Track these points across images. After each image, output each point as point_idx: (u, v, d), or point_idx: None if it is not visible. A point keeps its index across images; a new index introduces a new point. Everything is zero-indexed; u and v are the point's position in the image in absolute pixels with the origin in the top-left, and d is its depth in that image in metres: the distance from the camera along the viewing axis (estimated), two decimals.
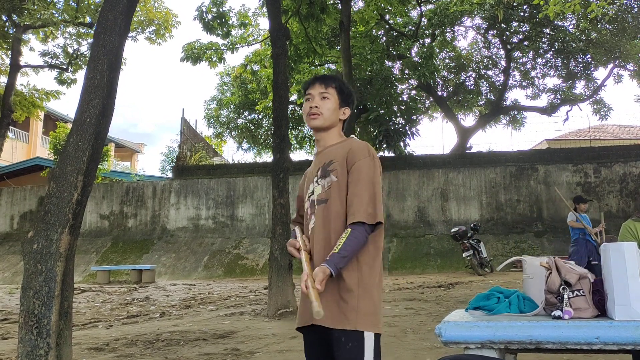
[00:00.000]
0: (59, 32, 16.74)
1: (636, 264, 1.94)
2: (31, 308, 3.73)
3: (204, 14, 11.25)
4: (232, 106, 22.15)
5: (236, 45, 14.31)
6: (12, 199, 19.10)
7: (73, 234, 3.91)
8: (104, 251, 17.38)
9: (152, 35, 17.01)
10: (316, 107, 2.31)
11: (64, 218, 3.84)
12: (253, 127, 22.58)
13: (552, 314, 2.03)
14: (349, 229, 2.07)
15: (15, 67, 15.61)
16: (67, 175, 3.88)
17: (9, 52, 15.89)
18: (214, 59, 13.74)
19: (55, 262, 3.79)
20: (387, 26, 19.12)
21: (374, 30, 18.41)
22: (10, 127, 25.65)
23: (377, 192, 2.18)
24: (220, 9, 11.40)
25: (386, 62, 18.67)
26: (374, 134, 17.52)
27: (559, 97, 20.34)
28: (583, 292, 2.06)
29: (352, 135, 2.42)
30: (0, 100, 15.49)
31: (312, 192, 2.29)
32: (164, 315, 8.42)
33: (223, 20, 11.47)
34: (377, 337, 2.12)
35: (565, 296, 2.05)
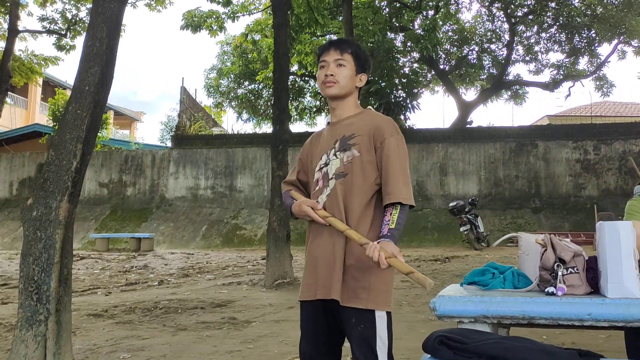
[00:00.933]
0: None
1: (631, 243, 1.96)
2: (31, 274, 3.76)
3: None
4: (232, 76, 21.98)
5: (237, 14, 14.12)
6: (10, 165, 19.10)
7: (72, 202, 3.92)
8: (102, 219, 17.46)
9: (152, 2, 16.74)
10: (332, 75, 2.21)
11: (63, 186, 3.84)
12: (253, 98, 22.45)
13: (546, 290, 2.05)
14: (398, 206, 2.05)
15: (13, 32, 15.39)
16: (66, 143, 3.86)
17: (7, 16, 15.65)
18: (215, 28, 13.58)
19: (54, 229, 3.80)
20: None
21: (377, 1, 18.16)
22: (9, 92, 25.49)
23: (407, 172, 2.16)
24: None
25: (388, 34, 18.45)
26: (375, 106, 17.42)
27: (562, 72, 20.20)
28: (577, 270, 2.08)
29: (369, 107, 2.36)
30: None
31: (327, 164, 2.21)
32: (162, 283, 8.51)
33: None
34: (389, 315, 2.11)
35: (559, 273, 2.07)
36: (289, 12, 8.56)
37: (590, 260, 2.13)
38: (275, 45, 8.00)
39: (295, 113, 22.55)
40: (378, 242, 1.95)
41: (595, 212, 12.64)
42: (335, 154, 2.20)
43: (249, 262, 11.08)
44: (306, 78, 21.22)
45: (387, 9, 19.05)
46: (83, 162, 3.95)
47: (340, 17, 15.18)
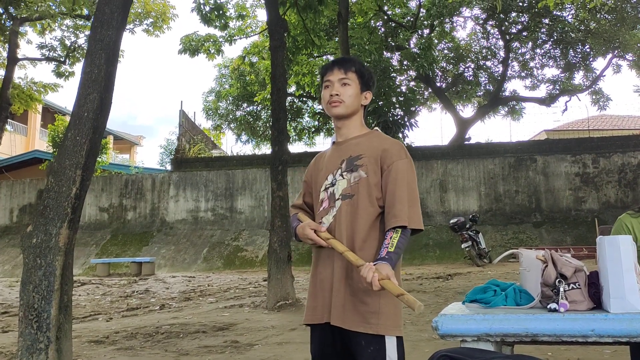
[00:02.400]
0: (56, 24, 16.66)
1: (631, 258, 1.95)
2: (31, 302, 3.75)
3: (202, 6, 11.20)
4: (230, 98, 22.11)
5: (234, 37, 14.27)
6: (11, 192, 19.10)
7: (72, 229, 3.92)
8: (103, 244, 17.41)
9: (150, 28, 16.94)
10: (337, 94, 2.20)
11: (62, 212, 3.85)
12: (252, 119, 22.55)
13: (548, 306, 2.04)
14: (399, 230, 2.02)
15: (12, 60, 15.56)
16: (65, 169, 3.89)
17: (6, 45, 15.82)
18: (212, 51, 13.70)
19: (54, 256, 3.81)
20: (385, 17, 19.05)
21: (372, 21, 18.35)
22: (9, 120, 25.62)
23: (416, 196, 2.13)
24: (218, 1, 11.35)
25: (385, 53, 18.60)
26: (373, 125, 17.48)
27: (558, 87, 20.32)
28: (579, 285, 2.07)
29: (375, 128, 2.35)
30: None
31: (333, 184, 2.19)
32: (164, 307, 8.45)
33: (221, 12, 11.41)
34: (400, 339, 2.08)
35: (561, 289, 2.06)
36: (285, 34, 8.64)
37: (592, 275, 2.12)
38: (272, 67, 8.06)
39: (294, 133, 22.62)
40: (374, 264, 1.93)
41: (596, 226, 12.63)
42: (341, 174, 2.18)
43: (251, 284, 11.02)
44: (304, 99, 21.34)
45: (382, 29, 19.25)
46: (82, 188, 3.96)
47: (337, 38, 15.31)
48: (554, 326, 1.95)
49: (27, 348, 3.59)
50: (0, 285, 12.41)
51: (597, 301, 2.07)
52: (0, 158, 22.91)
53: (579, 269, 2.11)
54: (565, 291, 2.06)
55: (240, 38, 15.01)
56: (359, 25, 16.72)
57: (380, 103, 17.24)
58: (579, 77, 20.47)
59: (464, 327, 2.06)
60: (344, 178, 2.17)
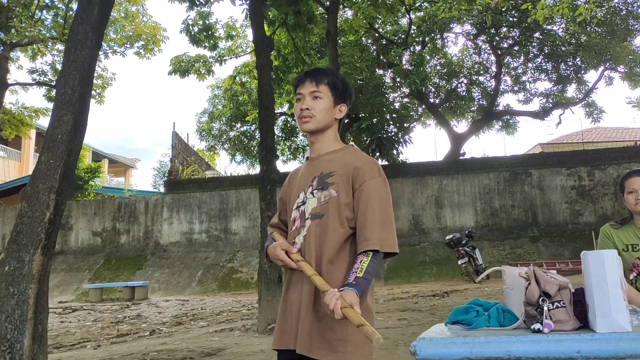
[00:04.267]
0: (47, 49, 16.66)
1: (616, 273, 1.84)
2: (3, 332, 3.61)
3: (190, 27, 11.19)
4: (223, 119, 22.06)
5: (224, 57, 14.25)
6: (2, 219, 18.92)
7: (46, 255, 3.80)
8: (96, 268, 17.20)
9: (141, 50, 16.95)
10: (307, 108, 2.09)
11: (36, 238, 3.73)
12: (245, 139, 22.49)
13: (532, 327, 1.92)
14: (370, 254, 1.90)
15: (3, 86, 15.50)
16: (39, 194, 3.77)
17: None
18: (202, 72, 13.68)
19: (27, 284, 3.68)
20: (376, 35, 19.12)
21: (363, 39, 18.40)
22: (2, 145, 25.55)
23: (390, 216, 2.02)
24: (206, 22, 11.33)
25: (377, 70, 18.63)
26: (367, 142, 17.45)
27: (551, 100, 20.34)
28: (563, 304, 1.96)
29: (351, 143, 2.25)
30: None
31: (304, 203, 2.09)
32: (154, 333, 8.27)
33: (209, 32, 11.40)
34: None
35: (545, 308, 1.94)
36: (271, 53, 8.60)
37: (577, 293, 2.00)
38: (259, 86, 8.00)
39: (288, 152, 22.56)
40: (340, 290, 1.81)
41: (593, 239, 12.50)
42: (312, 192, 2.08)
43: (244, 307, 10.84)
44: None
45: (374, 47, 19.31)
46: (57, 213, 3.85)
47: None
48: (538, 348, 1.82)
49: None
50: None
51: (583, 320, 1.95)
52: None
53: (564, 286, 1.99)
54: (549, 310, 1.94)
55: (231, 58, 14.99)
56: (350, 43, 16.76)
57: (374, 120, 17.23)
58: (571, 90, 20.52)
59: (443, 351, 1.93)
60: (314, 196, 2.07)
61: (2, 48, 15.35)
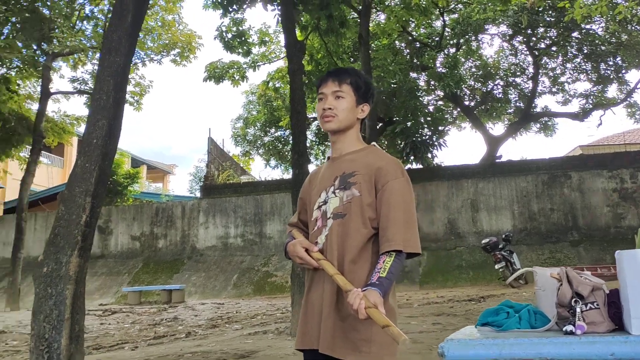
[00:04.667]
0: (88, 58, 17.14)
1: None
2: (42, 332, 3.71)
3: (224, 34, 11.34)
4: (258, 124, 22.28)
5: (257, 63, 14.40)
6: (46, 224, 19.48)
7: (83, 257, 3.89)
8: (135, 272, 17.55)
9: (177, 58, 17.27)
10: (330, 108, 2.09)
11: (73, 240, 3.82)
12: (280, 145, 22.64)
13: (564, 328, 1.87)
14: (393, 254, 1.89)
15: (45, 95, 16.02)
16: (75, 197, 3.87)
17: (40, 80, 16.31)
18: (237, 78, 13.84)
19: (65, 285, 3.77)
20: (409, 38, 19.00)
21: (396, 42, 18.30)
22: (46, 153, 26.35)
23: (413, 217, 2.00)
24: (240, 28, 11.47)
25: (410, 73, 18.50)
26: (401, 146, 17.35)
27: (591, 101, 19.80)
28: (597, 305, 1.90)
29: (373, 143, 2.24)
30: (32, 127, 15.91)
31: (325, 202, 2.08)
32: (190, 335, 8.38)
33: (243, 38, 11.54)
34: None
35: (578, 309, 1.89)
36: (303, 57, 8.63)
37: (612, 294, 1.94)
38: (291, 90, 8.04)
39: (322, 157, 22.61)
40: (363, 290, 1.80)
41: (636, 241, 12.10)
42: (334, 192, 2.07)
43: (278, 310, 10.88)
44: None
45: (407, 50, 19.18)
46: (93, 215, 3.93)
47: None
48: (570, 350, 1.78)
49: None
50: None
51: (618, 322, 1.88)
52: (36, 190, 23.48)
53: (597, 287, 1.94)
54: (582, 312, 1.89)
55: (264, 64, 15.16)
56: (383, 47, 16.70)
57: (409, 124, 17.11)
58: (612, 90, 19.93)
59: (472, 352, 1.90)
60: (336, 196, 2.06)
61: (45, 58, 15.86)
